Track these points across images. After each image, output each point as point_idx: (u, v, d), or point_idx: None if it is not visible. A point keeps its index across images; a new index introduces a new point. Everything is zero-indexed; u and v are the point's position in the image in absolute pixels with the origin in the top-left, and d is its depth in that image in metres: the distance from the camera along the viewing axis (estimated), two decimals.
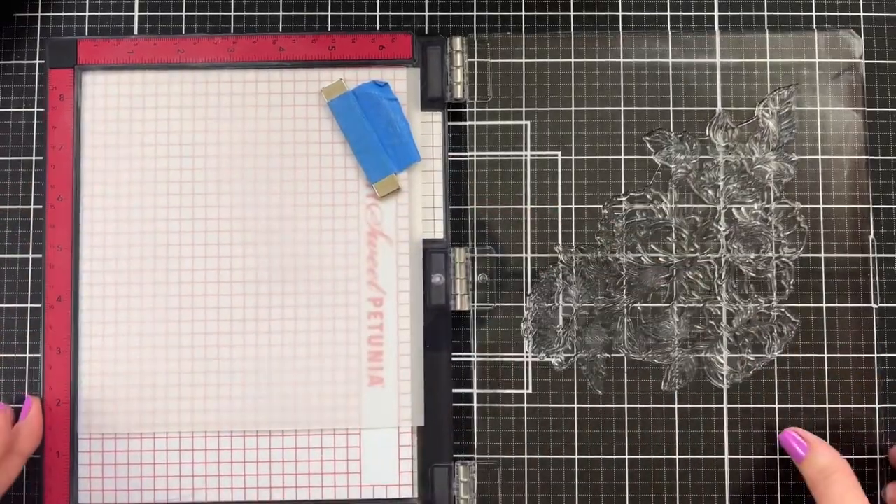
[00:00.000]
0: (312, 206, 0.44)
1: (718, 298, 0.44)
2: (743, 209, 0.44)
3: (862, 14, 0.46)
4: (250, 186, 0.44)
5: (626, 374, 0.44)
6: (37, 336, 0.44)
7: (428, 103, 0.45)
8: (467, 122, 0.45)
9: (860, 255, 0.44)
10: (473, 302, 0.44)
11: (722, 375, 0.44)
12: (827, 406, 0.43)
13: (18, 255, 0.44)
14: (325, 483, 0.43)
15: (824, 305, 0.44)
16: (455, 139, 0.45)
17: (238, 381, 0.43)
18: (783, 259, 0.43)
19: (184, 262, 0.44)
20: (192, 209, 0.44)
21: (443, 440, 0.43)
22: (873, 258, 0.44)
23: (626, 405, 0.44)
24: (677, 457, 0.43)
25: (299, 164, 0.44)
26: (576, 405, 0.44)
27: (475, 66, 0.45)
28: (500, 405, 0.44)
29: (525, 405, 0.44)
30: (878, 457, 0.43)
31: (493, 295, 0.44)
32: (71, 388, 0.43)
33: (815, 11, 0.46)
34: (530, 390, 0.44)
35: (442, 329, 0.44)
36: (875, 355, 0.44)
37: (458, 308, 0.44)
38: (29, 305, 0.44)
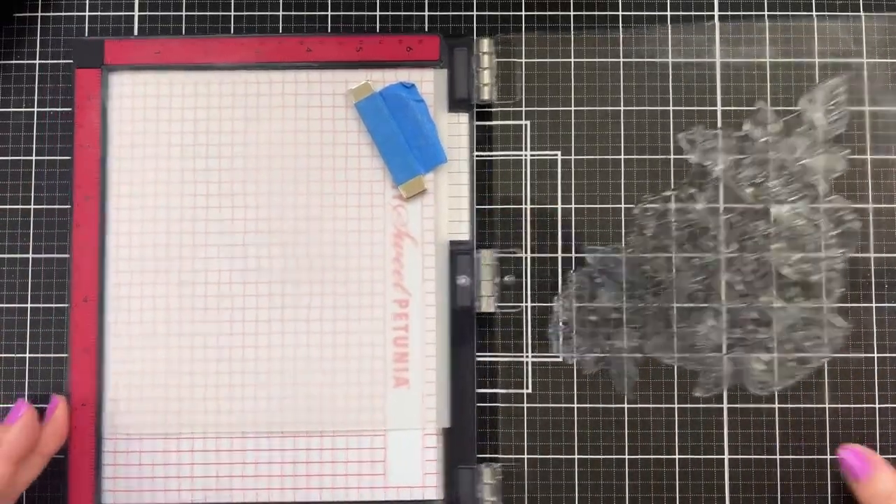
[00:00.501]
0: (338, 207, 0.44)
1: (758, 302, 0.43)
2: (786, 207, 0.42)
3: (863, 14, 0.45)
4: (276, 187, 0.44)
5: (625, 375, 0.44)
6: (51, 336, 0.44)
7: (455, 104, 0.45)
8: (495, 123, 0.45)
9: (860, 255, 0.44)
10: (502, 302, 0.44)
11: (761, 383, 0.43)
12: (827, 406, 0.43)
13: (18, 255, 0.44)
14: (350, 484, 0.43)
15: (825, 306, 0.44)
16: (481, 140, 0.45)
17: (263, 382, 0.43)
18: (832, 261, 0.42)
19: (210, 263, 0.44)
20: (218, 210, 0.44)
21: (468, 442, 0.43)
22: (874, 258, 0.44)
23: (626, 405, 0.44)
24: (677, 457, 0.43)
25: (325, 166, 0.44)
26: (576, 405, 0.44)
27: (502, 66, 0.45)
28: (508, 405, 0.44)
29: (525, 405, 0.44)
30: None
31: (502, 295, 0.44)
32: (97, 389, 0.43)
33: (816, 11, 0.45)
34: (530, 390, 0.44)
35: (467, 330, 0.44)
36: (875, 355, 0.44)
37: (484, 309, 0.44)
38: (29, 305, 0.44)
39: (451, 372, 0.43)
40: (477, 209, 0.45)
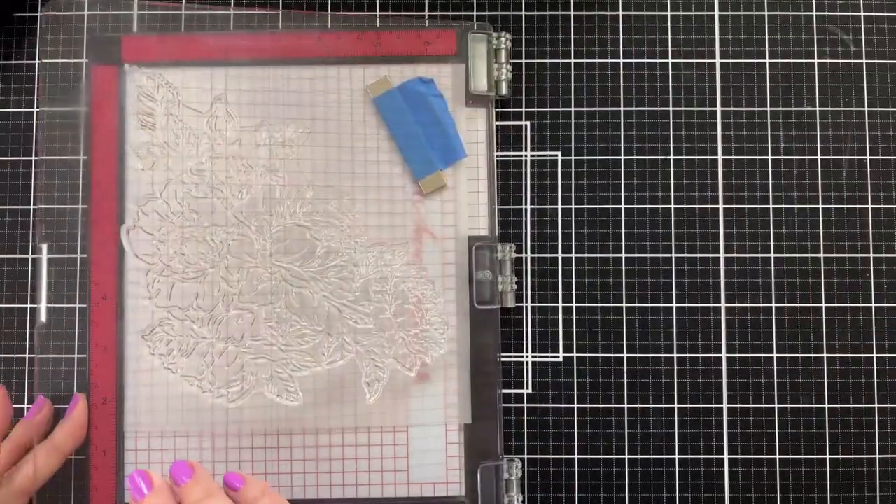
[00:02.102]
0: (358, 202, 0.44)
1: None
2: None
3: (862, 14, 0.45)
4: (293, 178, 0.44)
5: (625, 374, 0.44)
6: (50, 337, 0.44)
7: (472, 99, 0.44)
8: (516, 121, 0.45)
9: (860, 255, 0.44)
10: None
11: None
12: (826, 406, 0.44)
13: (18, 255, 0.44)
14: (373, 481, 0.43)
15: (824, 305, 0.44)
16: (501, 136, 0.45)
17: (284, 379, 0.43)
18: None
19: (228, 259, 0.44)
20: (237, 206, 0.44)
21: (490, 438, 0.43)
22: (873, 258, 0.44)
23: (625, 405, 0.44)
24: (677, 457, 0.43)
25: (344, 161, 0.44)
26: (576, 405, 0.44)
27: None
28: (509, 405, 0.44)
29: (525, 405, 0.44)
30: (877, 456, 0.43)
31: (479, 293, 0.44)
32: (117, 386, 0.43)
33: (816, 11, 0.46)
34: (530, 390, 0.44)
35: (489, 326, 0.43)
36: (875, 355, 0.44)
37: (505, 305, 0.44)
38: (28, 306, 0.44)
39: (472, 367, 0.43)
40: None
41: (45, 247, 0.43)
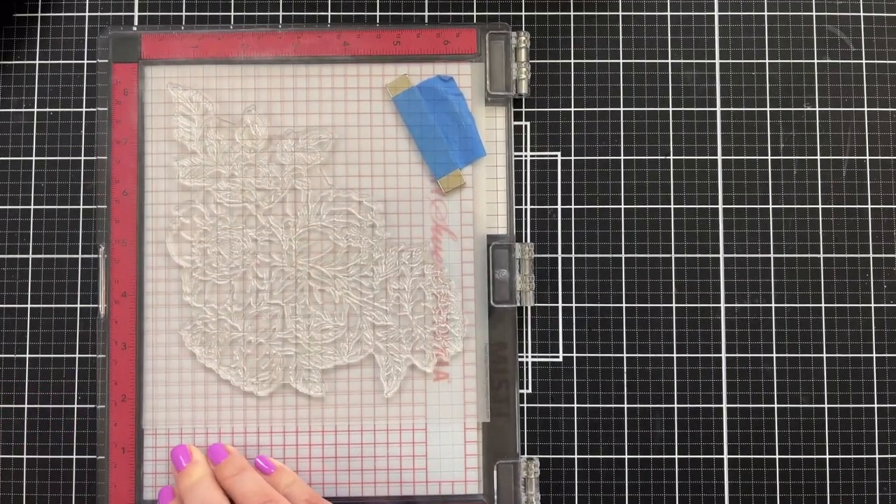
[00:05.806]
0: (377, 201, 0.44)
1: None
2: None
3: (862, 14, 0.46)
4: (314, 182, 0.44)
5: (625, 374, 0.44)
6: (50, 337, 0.44)
7: (491, 98, 0.44)
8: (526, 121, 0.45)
9: (860, 256, 0.44)
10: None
11: None
12: (826, 406, 0.44)
13: (18, 256, 0.44)
14: (392, 479, 0.43)
15: (823, 305, 0.44)
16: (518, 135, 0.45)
17: (304, 378, 0.43)
18: None
19: (246, 258, 0.44)
20: (254, 205, 0.44)
21: (509, 436, 0.43)
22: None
23: (625, 405, 0.44)
24: (677, 457, 0.43)
25: (363, 160, 0.44)
26: (575, 405, 0.44)
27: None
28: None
29: (525, 405, 0.44)
30: (876, 456, 0.43)
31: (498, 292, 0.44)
32: (136, 384, 0.43)
33: (816, 11, 0.46)
34: (530, 390, 0.44)
35: (506, 324, 0.44)
36: (874, 355, 0.44)
37: (523, 304, 0.44)
38: (29, 306, 0.44)
39: (490, 366, 0.43)
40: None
41: (102, 247, 0.43)
